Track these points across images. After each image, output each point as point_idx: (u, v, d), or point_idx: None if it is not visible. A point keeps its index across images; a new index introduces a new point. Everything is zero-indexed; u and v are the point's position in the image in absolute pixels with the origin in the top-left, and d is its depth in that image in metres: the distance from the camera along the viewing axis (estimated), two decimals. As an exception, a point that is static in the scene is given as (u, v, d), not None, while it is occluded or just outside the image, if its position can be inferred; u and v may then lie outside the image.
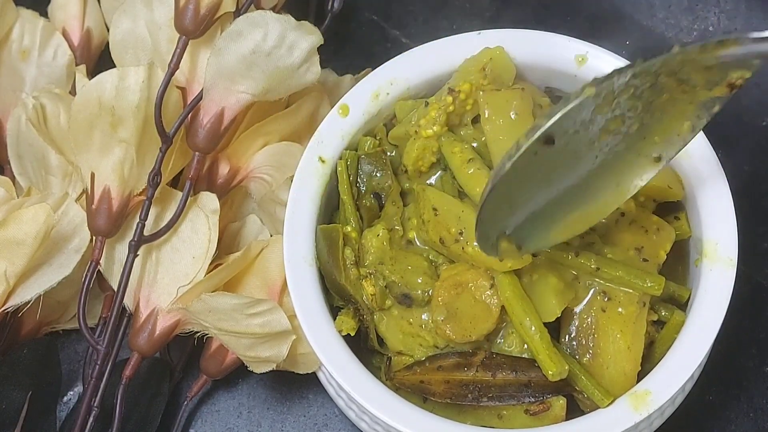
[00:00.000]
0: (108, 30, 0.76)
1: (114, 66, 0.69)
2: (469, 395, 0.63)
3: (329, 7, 0.80)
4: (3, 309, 0.66)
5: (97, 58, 0.81)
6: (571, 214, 0.60)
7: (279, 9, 0.76)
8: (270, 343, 0.66)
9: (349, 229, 0.67)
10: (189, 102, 0.70)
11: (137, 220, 0.67)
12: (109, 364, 0.67)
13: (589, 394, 0.62)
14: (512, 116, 0.65)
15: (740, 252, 0.64)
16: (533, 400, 0.63)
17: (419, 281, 0.64)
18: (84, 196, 0.69)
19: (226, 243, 0.73)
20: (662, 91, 0.56)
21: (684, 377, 0.62)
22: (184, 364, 0.75)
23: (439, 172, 0.68)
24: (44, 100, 0.72)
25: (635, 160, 0.59)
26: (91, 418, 0.66)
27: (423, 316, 0.65)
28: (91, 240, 0.68)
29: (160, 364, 0.73)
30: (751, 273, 0.77)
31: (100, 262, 0.68)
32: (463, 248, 0.63)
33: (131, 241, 0.67)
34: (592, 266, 0.63)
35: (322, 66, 0.70)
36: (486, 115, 0.66)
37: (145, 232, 0.67)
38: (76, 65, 0.78)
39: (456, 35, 0.70)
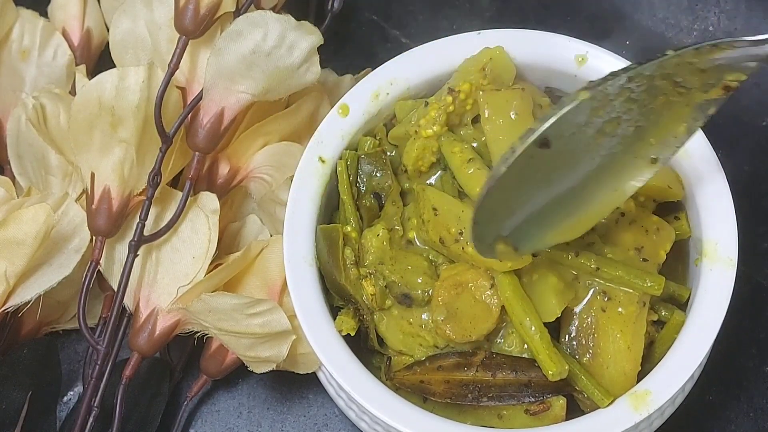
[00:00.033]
0: (108, 30, 0.76)
1: (114, 66, 0.69)
2: (469, 395, 0.63)
3: (329, 7, 0.80)
4: (3, 309, 0.66)
5: (97, 58, 0.81)
6: (568, 216, 0.60)
7: (279, 9, 0.76)
8: (270, 343, 0.66)
9: (349, 229, 0.67)
10: (189, 102, 0.70)
11: (137, 220, 0.67)
12: (109, 364, 0.67)
13: (589, 394, 0.62)
14: (512, 116, 0.65)
15: (740, 252, 0.64)
16: (533, 400, 0.63)
17: (419, 281, 0.64)
18: (84, 196, 0.69)
19: (226, 243, 0.73)
20: (658, 94, 0.56)
21: (684, 377, 0.62)
22: (184, 364, 0.75)
23: (439, 172, 0.68)
24: (44, 100, 0.72)
25: (632, 161, 0.59)
26: (91, 418, 0.66)
27: (423, 316, 0.65)
28: (91, 240, 0.68)
29: (160, 364, 0.73)
30: (751, 273, 0.77)
31: (100, 262, 0.68)
32: (463, 248, 0.63)
33: (131, 241, 0.67)
34: (592, 266, 0.63)
35: (322, 66, 0.70)
36: (486, 115, 0.66)
37: (145, 232, 0.67)
38: (76, 65, 0.78)
39: (456, 35, 0.70)
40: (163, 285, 0.68)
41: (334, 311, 0.67)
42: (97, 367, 0.67)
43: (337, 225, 0.67)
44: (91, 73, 0.75)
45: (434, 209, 0.64)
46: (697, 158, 0.66)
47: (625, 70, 0.55)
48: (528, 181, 0.56)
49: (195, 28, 0.69)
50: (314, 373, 0.69)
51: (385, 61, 0.70)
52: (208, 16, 0.69)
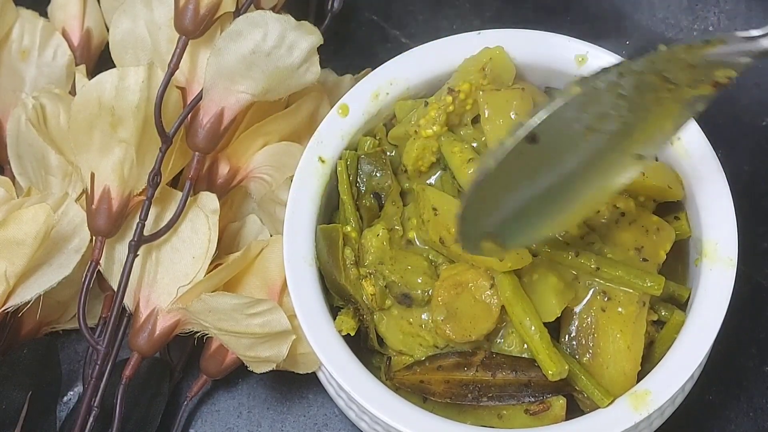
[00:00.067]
0: (108, 30, 0.76)
1: (114, 66, 0.69)
2: (469, 395, 0.63)
3: (329, 7, 0.80)
4: (3, 309, 0.66)
5: (97, 58, 0.81)
6: (553, 212, 0.59)
7: (279, 9, 0.76)
8: (270, 343, 0.66)
9: (349, 229, 0.67)
10: (189, 102, 0.70)
11: (137, 220, 0.67)
12: (109, 364, 0.67)
13: (589, 393, 0.62)
14: (512, 116, 0.65)
15: (740, 252, 0.64)
16: (533, 399, 0.63)
17: (419, 281, 0.64)
18: (84, 196, 0.69)
19: (226, 243, 0.73)
20: (647, 90, 0.56)
21: (684, 377, 0.62)
22: (184, 364, 0.75)
23: (439, 172, 0.68)
24: (44, 100, 0.72)
25: (617, 158, 0.58)
26: (91, 418, 0.66)
27: (423, 316, 0.65)
28: (91, 240, 0.68)
29: (160, 364, 0.73)
30: (751, 273, 0.77)
31: (100, 262, 0.68)
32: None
33: (131, 241, 0.67)
34: (592, 266, 0.63)
35: (322, 66, 0.70)
36: (486, 115, 0.66)
37: (145, 232, 0.67)
38: (76, 65, 0.78)
39: (456, 35, 0.70)
40: (163, 285, 0.68)
41: (334, 311, 0.67)
42: (97, 367, 0.67)
43: (337, 225, 0.67)
44: (91, 73, 0.75)
45: (434, 209, 0.64)
46: (697, 158, 0.66)
47: (616, 65, 0.54)
48: (514, 176, 0.55)
49: (195, 28, 0.69)
50: (314, 373, 0.69)
51: (385, 61, 0.70)
52: (208, 16, 0.69)
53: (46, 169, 0.71)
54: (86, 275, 0.67)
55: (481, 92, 0.66)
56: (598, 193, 0.60)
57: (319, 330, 0.64)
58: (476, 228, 0.58)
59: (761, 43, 0.55)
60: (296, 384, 0.74)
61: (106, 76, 0.67)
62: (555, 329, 0.63)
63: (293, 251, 0.66)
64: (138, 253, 0.67)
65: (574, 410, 0.63)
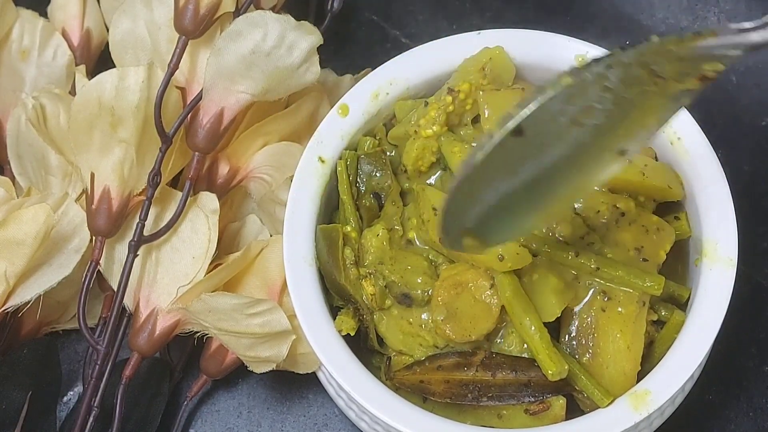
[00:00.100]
0: (108, 30, 0.76)
1: (114, 66, 0.69)
2: (469, 395, 0.63)
3: (329, 7, 0.80)
4: (3, 309, 0.66)
5: (97, 58, 0.81)
6: (533, 208, 0.58)
7: (279, 9, 0.76)
8: (270, 343, 0.66)
9: (348, 229, 0.67)
10: (189, 102, 0.70)
11: (137, 220, 0.67)
12: (109, 364, 0.67)
13: (589, 393, 0.62)
14: (512, 116, 0.65)
15: (740, 252, 0.64)
16: (533, 399, 0.63)
17: (419, 281, 0.64)
18: (84, 196, 0.69)
19: (226, 243, 0.73)
20: (633, 83, 0.55)
21: (684, 377, 0.62)
22: (184, 364, 0.75)
23: (439, 171, 0.68)
24: (44, 100, 0.72)
25: (599, 153, 0.57)
26: (91, 418, 0.66)
27: (423, 316, 0.65)
28: (91, 240, 0.68)
29: (160, 364, 0.73)
30: (751, 273, 0.77)
31: (100, 262, 0.68)
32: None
33: (131, 241, 0.67)
34: (592, 266, 0.63)
35: (322, 66, 0.70)
36: (486, 115, 0.66)
37: (145, 232, 0.68)
38: (76, 65, 0.78)
39: (456, 35, 0.70)
40: (163, 285, 0.68)
41: (334, 311, 0.67)
42: (97, 367, 0.67)
43: (336, 225, 0.67)
44: (91, 73, 0.75)
45: (434, 209, 0.64)
46: (697, 158, 0.66)
47: (607, 55, 0.54)
48: (497, 170, 0.54)
49: (195, 28, 0.69)
50: (314, 373, 0.69)
51: (385, 61, 0.70)
52: (208, 16, 0.69)
53: (46, 169, 0.71)
54: (86, 275, 0.67)
55: (481, 92, 0.66)
56: (579, 189, 0.58)
57: (319, 330, 0.64)
58: (456, 224, 0.57)
59: (752, 36, 0.54)
60: (296, 384, 0.74)
61: (106, 76, 0.67)
62: (555, 329, 0.63)
63: (293, 251, 0.66)
64: (138, 253, 0.67)
65: (574, 410, 0.63)
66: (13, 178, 0.74)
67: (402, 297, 0.65)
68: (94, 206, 0.68)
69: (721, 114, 0.83)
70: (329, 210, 0.69)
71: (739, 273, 0.64)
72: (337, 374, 0.63)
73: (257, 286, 0.70)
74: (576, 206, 0.65)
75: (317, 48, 0.69)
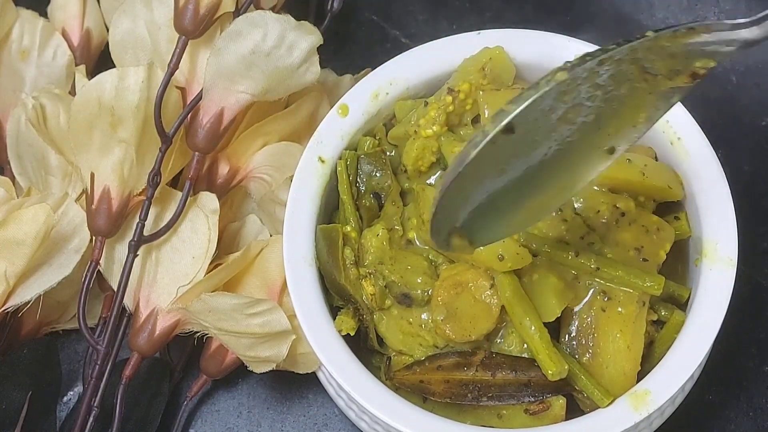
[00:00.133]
0: (108, 30, 0.76)
1: (114, 66, 0.69)
2: (469, 395, 0.63)
3: (329, 7, 0.80)
4: (3, 309, 0.66)
5: (97, 58, 0.81)
6: (520, 207, 0.57)
7: (279, 9, 0.76)
8: (270, 343, 0.66)
9: (348, 229, 0.67)
10: (189, 102, 0.70)
11: (137, 220, 0.67)
12: (109, 364, 0.67)
13: (589, 393, 0.62)
14: (512, 116, 0.65)
15: (740, 252, 0.64)
16: (533, 399, 0.63)
17: (419, 281, 0.64)
18: (84, 196, 0.69)
19: (226, 243, 0.73)
20: (623, 80, 0.54)
21: (684, 377, 0.62)
22: (184, 364, 0.75)
23: (439, 171, 0.68)
24: (44, 100, 0.72)
25: (588, 151, 0.57)
26: (91, 418, 0.66)
27: (423, 316, 0.65)
28: (91, 240, 0.68)
29: (160, 364, 0.73)
30: (751, 273, 0.77)
31: (100, 262, 0.68)
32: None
33: (131, 241, 0.67)
34: (592, 266, 0.63)
35: (322, 66, 0.70)
36: (486, 115, 0.66)
37: (145, 232, 0.68)
38: (76, 65, 0.78)
39: (456, 35, 0.70)
40: (163, 285, 0.68)
41: (334, 311, 0.67)
42: (97, 367, 0.67)
43: (336, 225, 0.67)
44: (91, 73, 0.75)
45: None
46: (697, 158, 0.66)
47: (601, 50, 0.53)
48: (487, 168, 0.54)
49: (195, 28, 0.69)
50: (314, 373, 0.69)
51: (385, 61, 0.70)
52: (208, 16, 0.69)
53: (46, 169, 0.71)
54: (86, 275, 0.67)
55: (481, 92, 0.66)
56: (565, 188, 0.58)
57: (319, 330, 0.64)
58: (446, 223, 0.56)
59: (744, 33, 0.54)
60: (296, 384, 0.74)
61: (106, 76, 0.67)
62: (555, 329, 0.63)
63: (293, 251, 0.66)
64: (138, 253, 0.67)
65: (574, 410, 0.63)
66: (13, 178, 0.74)
67: (402, 297, 0.65)
68: (94, 206, 0.68)
69: (721, 114, 0.83)
70: (329, 210, 0.69)
71: (739, 273, 0.64)
72: (337, 374, 0.63)
73: (257, 286, 0.70)
74: (576, 206, 0.65)
75: (317, 48, 0.69)
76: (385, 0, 0.88)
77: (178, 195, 0.69)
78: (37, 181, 0.73)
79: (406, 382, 0.65)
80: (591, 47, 0.68)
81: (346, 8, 0.83)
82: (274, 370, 0.68)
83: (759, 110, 0.83)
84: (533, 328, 0.62)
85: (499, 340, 0.64)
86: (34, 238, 0.65)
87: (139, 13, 0.71)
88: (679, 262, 0.67)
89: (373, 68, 0.71)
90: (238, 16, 0.69)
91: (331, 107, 0.69)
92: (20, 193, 0.72)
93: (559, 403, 0.63)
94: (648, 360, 0.64)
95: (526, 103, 0.52)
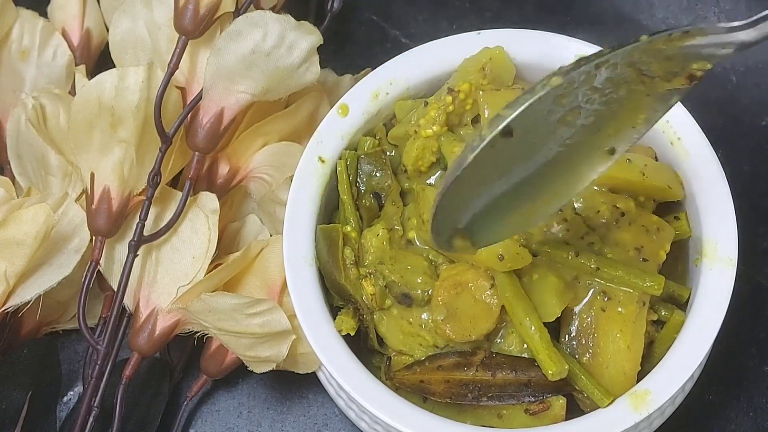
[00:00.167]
0: (108, 30, 0.76)
1: (114, 66, 0.69)
2: (469, 395, 0.63)
3: (329, 7, 0.80)
4: (3, 309, 0.66)
5: (97, 58, 0.81)
6: (521, 208, 0.58)
7: (279, 9, 0.76)
8: (270, 342, 0.66)
9: (348, 228, 0.67)
10: (189, 102, 0.70)
11: (137, 220, 0.67)
12: (109, 364, 0.67)
13: (589, 393, 0.62)
14: (512, 116, 0.65)
15: (740, 252, 0.64)
16: (533, 399, 0.63)
17: (419, 281, 0.64)
18: (84, 196, 0.69)
19: (226, 243, 0.73)
20: (620, 83, 0.55)
21: (684, 377, 0.62)
22: (184, 364, 0.75)
23: (439, 171, 0.68)
24: (44, 100, 0.72)
25: (588, 152, 0.57)
26: (91, 418, 0.66)
27: (423, 316, 0.65)
28: (91, 240, 0.68)
29: (160, 364, 0.73)
30: (751, 273, 0.77)
31: (100, 262, 0.68)
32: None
33: (131, 241, 0.67)
34: (592, 266, 0.63)
35: (322, 66, 0.70)
36: (486, 115, 0.66)
37: (145, 232, 0.67)
38: (76, 65, 0.78)
39: (456, 35, 0.70)
40: (163, 285, 0.68)
41: (334, 311, 0.67)
42: (97, 367, 0.67)
43: (336, 225, 0.67)
44: (91, 73, 0.75)
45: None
46: (697, 158, 0.66)
47: (596, 54, 0.54)
48: (487, 171, 0.54)
49: (194, 28, 0.69)
50: (314, 373, 0.69)
51: (385, 61, 0.70)
52: (208, 16, 0.69)
53: (46, 169, 0.71)
54: (86, 275, 0.67)
55: (481, 92, 0.66)
56: (567, 189, 0.58)
57: (319, 330, 0.64)
58: (447, 225, 0.56)
59: (741, 35, 0.54)
60: (296, 384, 0.74)
61: (106, 76, 0.67)
62: (555, 329, 0.63)
63: (293, 251, 0.66)
64: (138, 253, 0.67)
65: (574, 410, 0.63)
66: (13, 178, 0.74)
67: (402, 297, 0.65)
68: (94, 206, 0.68)
69: (721, 114, 0.83)
70: (329, 210, 0.69)
71: (739, 273, 0.64)
72: (337, 374, 0.63)
73: (257, 286, 0.70)
74: (576, 206, 0.65)
75: (317, 48, 0.69)
76: (385, 0, 0.88)
77: (178, 195, 0.69)
78: (37, 181, 0.73)
79: (406, 382, 0.65)
80: (591, 47, 0.69)
81: (346, 8, 0.83)
82: (274, 370, 0.68)
83: (759, 110, 0.83)
84: (533, 328, 0.62)
85: (499, 340, 0.64)
86: (34, 238, 0.65)
87: (139, 13, 0.72)
88: (679, 262, 0.67)
89: (373, 68, 0.71)
90: (238, 16, 0.69)
91: (331, 107, 0.69)
92: (20, 193, 0.72)
93: (559, 403, 0.63)
94: (648, 360, 0.64)
95: (522, 108, 0.52)
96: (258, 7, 0.72)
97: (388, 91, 0.69)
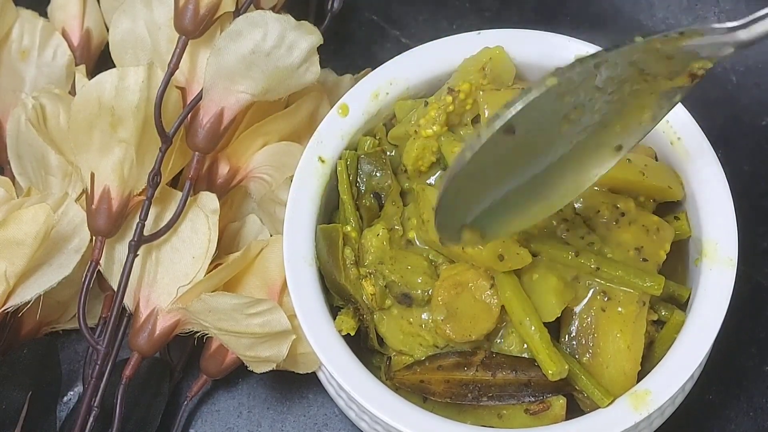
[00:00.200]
0: (108, 30, 0.76)
1: (114, 66, 0.69)
2: (469, 395, 0.63)
3: (329, 7, 0.80)
4: (3, 309, 0.66)
5: (97, 58, 0.81)
6: (532, 203, 0.59)
7: (279, 9, 0.76)
8: (270, 342, 0.66)
9: (348, 228, 0.67)
10: (189, 102, 0.70)
11: (137, 220, 0.67)
12: (109, 364, 0.67)
13: (589, 393, 0.62)
14: (512, 116, 0.65)
15: (740, 252, 0.64)
16: (533, 399, 0.63)
17: (419, 281, 0.64)
18: (84, 196, 0.69)
19: (226, 243, 0.73)
20: (623, 82, 0.55)
21: (684, 377, 0.62)
22: (184, 364, 0.75)
23: (439, 171, 0.68)
24: (44, 100, 0.72)
25: (596, 149, 0.58)
26: (91, 418, 0.66)
27: (423, 316, 0.65)
28: (91, 240, 0.68)
29: (160, 364, 0.73)
30: (751, 273, 0.77)
31: (100, 262, 0.68)
32: (463, 248, 0.63)
33: (131, 241, 0.67)
34: (592, 266, 0.63)
35: (322, 66, 0.70)
36: (486, 115, 0.66)
37: (145, 232, 0.67)
38: (76, 65, 0.78)
39: (456, 35, 0.70)
40: (163, 285, 0.68)
41: (334, 311, 0.67)
42: (97, 367, 0.67)
43: (337, 225, 0.67)
44: (91, 73, 0.75)
45: (434, 209, 0.64)
46: (697, 158, 0.66)
47: (592, 56, 0.54)
48: (493, 168, 0.55)
49: (195, 28, 0.69)
50: (314, 373, 0.69)
51: (385, 61, 0.70)
52: (208, 16, 0.69)
53: (46, 169, 0.71)
54: (86, 275, 0.67)
55: (481, 92, 0.66)
56: (576, 185, 0.59)
57: (319, 330, 0.64)
58: (453, 219, 0.57)
59: (740, 35, 0.54)
60: (296, 384, 0.74)
61: (106, 76, 0.67)
62: (555, 329, 0.63)
63: (293, 251, 0.66)
64: (138, 253, 0.67)
65: (574, 410, 0.63)
66: (13, 178, 0.74)
67: (402, 297, 0.65)
68: (94, 206, 0.68)
69: (721, 114, 0.83)
70: (329, 210, 0.69)
71: (739, 273, 0.64)
72: (337, 374, 0.63)
73: (257, 286, 0.70)
74: (576, 206, 0.65)
75: (317, 48, 0.69)
76: (385, 0, 0.88)
77: (178, 195, 0.69)
78: (37, 181, 0.73)
79: (406, 382, 0.65)
80: (591, 47, 0.69)
81: (346, 8, 0.83)
82: (274, 370, 0.68)
83: (759, 110, 0.83)
84: (533, 328, 0.62)
85: (499, 340, 0.64)
86: (34, 238, 0.65)
87: (139, 13, 0.72)
88: (679, 262, 0.67)
89: (373, 68, 0.71)
90: (238, 16, 0.69)
91: (331, 107, 0.69)
92: (20, 193, 0.72)
93: (560, 403, 0.63)
94: (648, 360, 0.64)
95: (518, 107, 0.53)
96: (258, 7, 0.72)
97: (388, 91, 0.69)
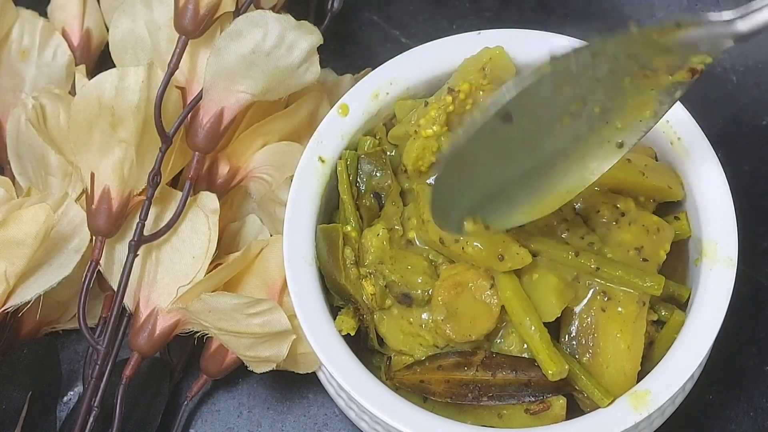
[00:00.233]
0: (108, 30, 0.76)
1: (114, 66, 0.69)
2: (469, 395, 0.63)
3: (329, 7, 0.80)
4: (3, 309, 0.66)
5: (97, 58, 0.81)
6: (535, 195, 0.59)
7: (279, 9, 0.76)
8: (270, 342, 0.66)
9: (349, 228, 0.67)
10: (189, 102, 0.70)
11: (137, 220, 0.67)
12: (109, 364, 0.67)
13: (589, 393, 0.62)
14: (512, 116, 0.65)
15: (740, 252, 0.64)
16: (533, 399, 0.63)
17: (419, 281, 0.64)
18: (84, 196, 0.69)
19: (226, 243, 0.73)
20: (623, 75, 0.55)
21: (684, 377, 0.62)
22: (184, 364, 0.75)
23: (439, 172, 0.68)
24: (44, 100, 0.72)
25: (598, 144, 0.58)
26: (91, 418, 0.66)
27: (423, 316, 0.65)
28: (91, 240, 0.68)
29: (160, 364, 0.73)
30: (751, 273, 0.77)
31: (100, 262, 0.68)
32: (463, 248, 0.63)
33: (131, 241, 0.67)
34: (592, 266, 0.63)
35: (322, 66, 0.70)
36: (485, 113, 0.66)
37: (145, 232, 0.67)
38: (76, 65, 0.78)
39: (456, 35, 0.70)
40: (163, 285, 0.68)
41: (334, 311, 0.67)
42: (97, 367, 0.67)
43: (337, 225, 0.67)
44: (91, 73, 0.75)
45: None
46: (697, 158, 0.66)
47: (588, 45, 0.54)
48: (490, 156, 0.55)
49: (194, 28, 0.69)
50: (314, 373, 0.69)
51: (385, 61, 0.70)
52: (208, 16, 0.69)
53: (46, 169, 0.71)
54: (86, 275, 0.67)
55: (481, 92, 0.66)
56: (578, 179, 0.59)
57: (319, 330, 0.64)
58: (452, 208, 0.57)
59: (739, 26, 0.54)
60: (296, 384, 0.74)
61: (106, 76, 0.67)
62: (555, 329, 0.63)
63: (293, 251, 0.66)
64: (138, 253, 0.67)
65: (574, 410, 0.63)
66: (13, 178, 0.74)
67: (402, 297, 0.65)
68: (94, 206, 0.68)
69: (721, 114, 0.83)
70: (329, 210, 0.69)
71: (739, 273, 0.64)
72: (337, 374, 0.63)
73: (257, 286, 0.70)
74: (576, 206, 0.65)
75: (317, 48, 0.69)
76: (385, 0, 0.88)
77: (178, 195, 0.69)
78: (37, 181, 0.73)
79: (406, 382, 0.65)
80: (591, 47, 0.69)
81: (346, 8, 0.83)
82: (274, 370, 0.68)
83: (759, 110, 0.83)
84: (533, 328, 0.62)
85: (499, 340, 0.64)
86: (34, 238, 0.65)
87: (139, 13, 0.72)
88: (679, 262, 0.68)
89: (373, 68, 0.71)
90: (238, 16, 0.69)
91: (331, 107, 0.69)
92: (20, 193, 0.72)
93: (560, 403, 0.63)
94: (648, 360, 0.64)
95: (513, 93, 0.53)
96: (258, 7, 0.72)
97: (388, 91, 0.69)
